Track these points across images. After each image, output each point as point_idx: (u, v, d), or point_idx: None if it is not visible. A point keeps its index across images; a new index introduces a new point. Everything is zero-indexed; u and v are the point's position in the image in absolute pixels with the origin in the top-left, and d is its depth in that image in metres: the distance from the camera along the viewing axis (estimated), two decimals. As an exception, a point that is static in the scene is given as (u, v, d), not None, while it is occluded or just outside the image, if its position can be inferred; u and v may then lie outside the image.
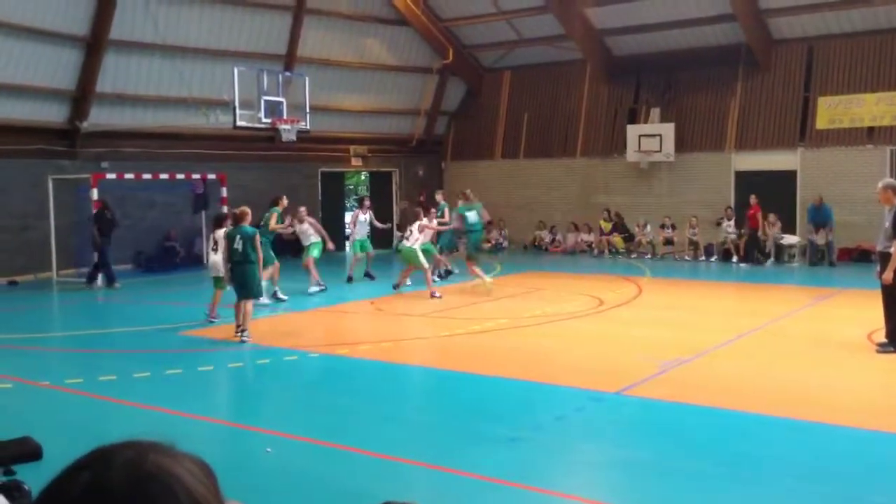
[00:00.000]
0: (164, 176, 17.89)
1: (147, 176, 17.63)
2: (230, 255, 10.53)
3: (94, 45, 17.45)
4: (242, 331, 10.23)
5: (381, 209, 25.52)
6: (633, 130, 21.66)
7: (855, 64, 19.37)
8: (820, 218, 18.43)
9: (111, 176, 17.18)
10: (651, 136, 21.29)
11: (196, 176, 18.81)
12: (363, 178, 31.70)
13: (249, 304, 10.40)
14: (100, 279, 15.93)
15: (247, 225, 10.61)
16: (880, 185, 9.51)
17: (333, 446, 6.19)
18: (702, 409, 7.11)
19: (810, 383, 8.02)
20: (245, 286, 10.39)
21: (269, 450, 6.10)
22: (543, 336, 10.66)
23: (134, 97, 18.67)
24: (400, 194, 25.30)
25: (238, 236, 10.46)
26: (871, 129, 19.05)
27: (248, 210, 10.99)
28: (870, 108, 18.98)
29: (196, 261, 19.41)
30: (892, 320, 9.10)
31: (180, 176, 18.27)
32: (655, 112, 21.74)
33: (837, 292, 14.16)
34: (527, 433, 6.39)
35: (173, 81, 18.67)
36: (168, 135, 19.11)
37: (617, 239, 21.41)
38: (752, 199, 19.10)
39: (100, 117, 18.02)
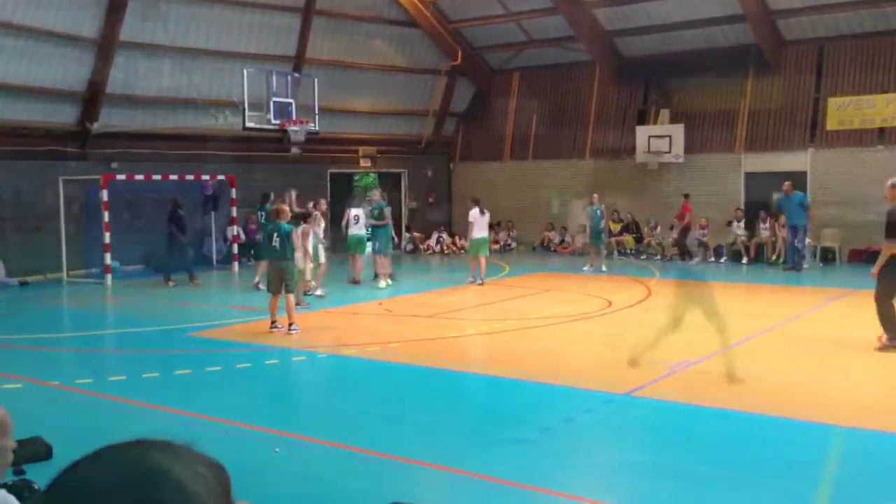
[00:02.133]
0: (173, 177, 17.95)
1: (157, 177, 17.69)
2: (269, 251, 10.95)
3: (105, 46, 17.53)
4: (290, 324, 10.69)
5: (392, 210, 25.54)
6: (642, 131, 21.60)
7: (865, 65, 19.26)
8: (790, 210, 17.78)
9: (121, 177, 17.25)
10: (660, 137, 21.23)
11: (205, 177, 18.88)
12: (372, 179, 31.75)
13: (291, 298, 10.82)
14: (170, 277, 16.29)
15: (284, 222, 10.94)
16: (889, 182, 9.59)
17: (341, 447, 6.19)
18: (711, 410, 7.08)
19: (821, 385, 7.97)
20: (285, 281, 10.75)
21: (277, 450, 6.10)
22: (552, 337, 10.64)
23: (144, 98, 18.75)
24: (409, 195, 25.32)
25: (276, 233, 10.73)
26: (881, 129, 18.94)
27: (285, 207, 11.40)
28: (881, 109, 18.86)
29: (206, 261, 19.46)
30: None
31: (190, 177, 18.33)
32: (665, 113, 21.67)
33: (849, 293, 14.07)
34: (536, 435, 6.38)
35: (183, 83, 18.73)
36: (178, 136, 19.17)
37: (628, 238, 21.40)
38: (683, 199, 19.29)
39: (110, 118, 18.09)
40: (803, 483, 5.38)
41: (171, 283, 16.08)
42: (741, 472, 5.56)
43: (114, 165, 18.32)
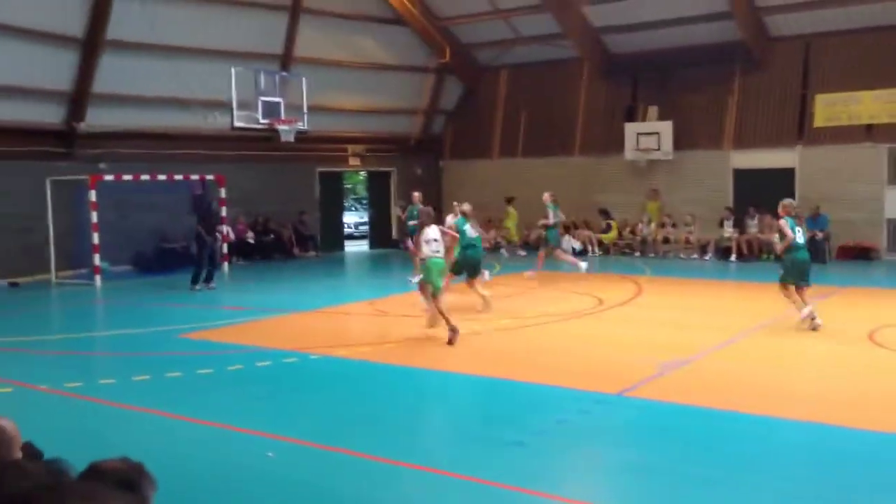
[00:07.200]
0: (162, 177, 17.85)
1: (145, 177, 17.59)
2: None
3: (90, 45, 17.40)
4: None
5: (380, 209, 25.58)
6: (630, 128, 21.65)
7: (853, 61, 19.35)
8: (817, 227, 18.55)
9: (109, 177, 17.14)
10: (649, 135, 21.29)
11: (194, 177, 18.78)
12: (361, 177, 31.69)
13: None
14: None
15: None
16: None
17: (334, 450, 6.17)
18: (702, 410, 7.10)
19: (810, 383, 8.01)
20: None
21: (270, 454, 6.08)
22: (545, 336, 10.64)
23: (131, 98, 18.59)
24: (398, 194, 25.28)
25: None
26: (869, 126, 19.04)
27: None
28: (868, 105, 18.96)
29: (194, 262, 19.36)
30: None
31: (178, 177, 18.23)
32: (653, 110, 21.72)
33: (836, 290, 14.13)
34: (530, 437, 6.38)
35: (170, 82, 18.62)
36: (166, 135, 19.09)
37: (611, 235, 21.49)
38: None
39: (97, 118, 17.97)
40: (795, 483, 5.40)
41: (196, 288, 15.40)
42: (733, 474, 5.57)
43: (101, 166, 18.20)
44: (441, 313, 10.19)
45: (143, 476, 2.14)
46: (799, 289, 10.79)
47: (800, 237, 10.91)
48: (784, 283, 10.87)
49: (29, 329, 12.12)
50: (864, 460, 5.83)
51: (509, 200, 22.53)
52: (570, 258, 16.97)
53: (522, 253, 21.70)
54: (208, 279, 15.60)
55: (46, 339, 11.51)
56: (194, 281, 15.46)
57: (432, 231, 10.58)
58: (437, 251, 10.48)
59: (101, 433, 6.71)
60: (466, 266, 12.66)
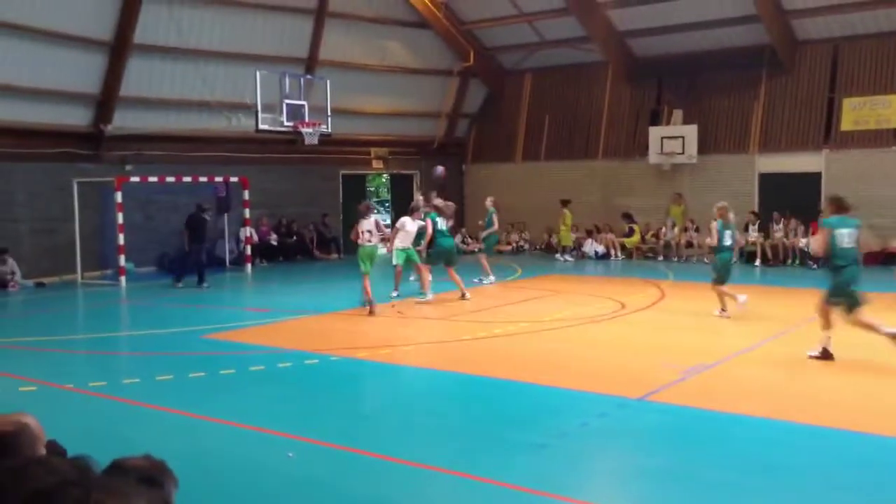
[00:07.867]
0: (187, 179, 18.01)
1: (170, 179, 17.75)
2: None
3: (118, 49, 17.61)
4: None
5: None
6: (655, 132, 21.52)
7: (881, 65, 19.12)
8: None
9: (135, 179, 17.32)
10: (674, 138, 21.14)
11: (219, 179, 18.94)
12: (384, 180, 31.77)
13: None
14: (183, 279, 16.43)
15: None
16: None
17: (355, 451, 6.18)
18: (725, 415, 7.03)
19: (837, 389, 7.90)
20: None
21: (291, 454, 6.10)
22: (565, 340, 10.60)
23: (157, 101, 18.80)
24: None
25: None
26: (897, 130, 18.78)
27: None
28: (896, 109, 18.70)
29: (219, 263, 19.51)
30: None
31: (203, 179, 18.39)
32: (678, 114, 21.58)
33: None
34: (551, 440, 6.35)
35: (196, 85, 18.79)
36: (191, 138, 19.26)
37: (634, 239, 21.34)
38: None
39: (124, 121, 18.18)
40: (822, 490, 5.33)
41: (179, 285, 16.16)
42: (758, 479, 5.51)
43: (128, 167, 18.41)
44: (366, 290, 12.55)
45: (165, 473, 2.15)
46: (716, 285, 11.78)
47: (727, 240, 11.74)
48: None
49: (54, 329, 12.26)
50: (890, 468, 5.74)
51: (565, 203, 20.96)
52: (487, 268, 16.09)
53: (570, 259, 21.10)
54: (200, 280, 16.17)
55: (71, 339, 11.65)
56: (200, 280, 16.26)
57: (368, 223, 12.86)
58: (370, 240, 12.89)
59: (125, 432, 6.77)
60: (440, 255, 14.38)
